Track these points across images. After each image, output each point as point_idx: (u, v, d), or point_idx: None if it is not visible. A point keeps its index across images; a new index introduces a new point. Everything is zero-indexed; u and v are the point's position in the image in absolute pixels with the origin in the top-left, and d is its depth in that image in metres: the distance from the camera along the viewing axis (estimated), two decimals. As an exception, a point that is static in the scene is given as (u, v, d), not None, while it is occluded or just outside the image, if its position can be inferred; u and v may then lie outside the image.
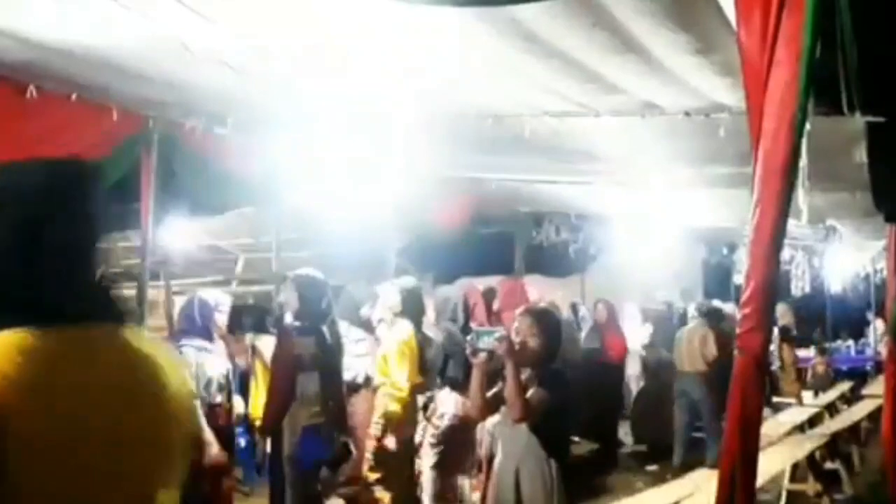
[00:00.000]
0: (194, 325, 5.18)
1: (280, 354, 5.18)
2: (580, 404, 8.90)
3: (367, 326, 6.42)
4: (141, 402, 1.53)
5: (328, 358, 5.10)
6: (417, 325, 5.67)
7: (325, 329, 5.15)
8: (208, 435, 4.83)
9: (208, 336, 5.21)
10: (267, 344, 5.95)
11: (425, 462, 5.85)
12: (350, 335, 5.74)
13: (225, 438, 5.21)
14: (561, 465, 3.59)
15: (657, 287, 12.41)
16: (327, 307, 5.25)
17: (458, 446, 5.96)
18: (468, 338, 3.64)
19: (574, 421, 8.64)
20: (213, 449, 4.84)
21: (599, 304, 10.81)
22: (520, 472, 3.55)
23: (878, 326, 16.97)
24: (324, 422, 5.02)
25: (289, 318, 5.54)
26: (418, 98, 4.50)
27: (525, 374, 3.55)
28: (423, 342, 5.70)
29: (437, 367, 6.11)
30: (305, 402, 4.99)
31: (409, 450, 5.67)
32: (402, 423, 5.40)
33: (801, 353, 16.44)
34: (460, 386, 5.94)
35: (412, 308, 5.61)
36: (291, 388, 4.99)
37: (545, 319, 3.78)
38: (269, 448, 5.48)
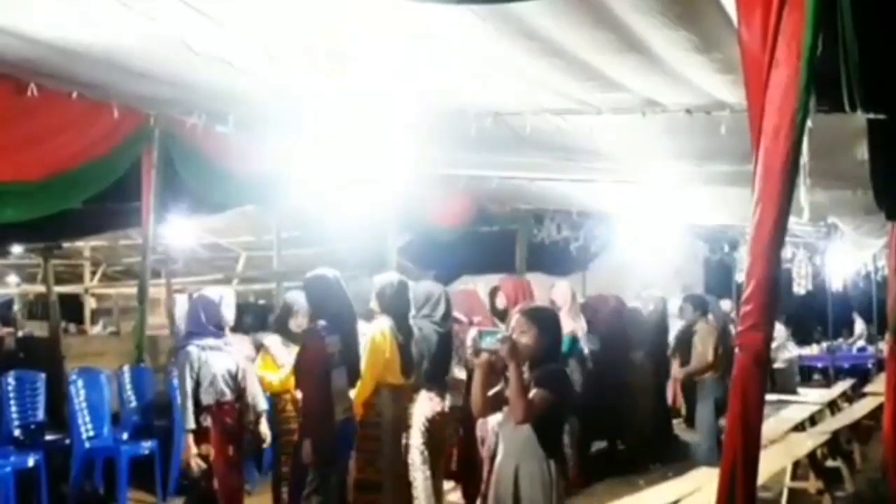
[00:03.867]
0: (200, 323, 5.23)
1: (310, 355, 5.17)
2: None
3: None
4: None
5: (352, 353, 5.20)
6: (401, 320, 5.57)
7: (346, 325, 5.21)
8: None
9: (216, 333, 5.25)
10: (274, 342, 5.91)
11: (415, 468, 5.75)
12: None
13: (233, 437, 5.25)
14: (560, 465, 3.59)
15: (656, 285, 12.37)
16: (346, 303, 5.29)
17: (439, 447, 5.88)
18: (471, 338, 3.63)
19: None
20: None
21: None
22: (519, 471, 3.54)
23: (859, 324, 17.23)
24: (351, 416, 5.18)
25: (302, 320, 5.64)
26: (418, 97, 4.50)
27: (526, 374, 3.54)
28: (403, 340, 5.49)
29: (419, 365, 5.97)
30: (339, 398, 5.07)
31: (388, 447, 5.58)
32: (364, 420, 5.38)
33: (805, 351, 16.51)
34: (434, 385, 5.78)
35: (391, 304, 5.52)
36: (328, 386, 5.05)
37: (541, 318, 3.75)
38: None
